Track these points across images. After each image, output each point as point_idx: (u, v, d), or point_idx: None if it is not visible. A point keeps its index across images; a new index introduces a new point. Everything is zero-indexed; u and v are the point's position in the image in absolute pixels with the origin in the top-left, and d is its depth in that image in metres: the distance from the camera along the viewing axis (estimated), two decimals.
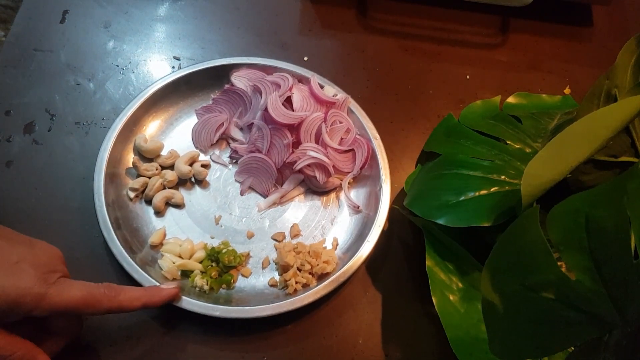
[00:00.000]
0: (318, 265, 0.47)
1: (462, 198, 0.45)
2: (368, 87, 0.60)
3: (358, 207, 0.51)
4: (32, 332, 0.38)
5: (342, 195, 0.53)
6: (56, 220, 0.48)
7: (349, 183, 0.53)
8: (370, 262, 0.50)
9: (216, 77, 0.55)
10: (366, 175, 0.53)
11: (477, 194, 0.45)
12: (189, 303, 0.43)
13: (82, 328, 0.42)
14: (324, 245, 0.50)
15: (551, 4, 0.67)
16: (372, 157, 0.52)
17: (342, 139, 0.53)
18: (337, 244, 0.50)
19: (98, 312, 0.38)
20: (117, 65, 0.57)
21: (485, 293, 0.33)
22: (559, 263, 0.32)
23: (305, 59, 0.60)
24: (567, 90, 0.63)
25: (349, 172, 0.53)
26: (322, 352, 0.46)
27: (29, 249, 0.37)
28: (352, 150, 0.53)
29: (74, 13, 0.59)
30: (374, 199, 0.51)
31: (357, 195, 0.53)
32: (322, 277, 0.47)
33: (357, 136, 0.53)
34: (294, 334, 0.46)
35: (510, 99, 0.60)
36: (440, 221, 0.44)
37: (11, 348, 0.36)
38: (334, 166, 0.51)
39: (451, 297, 0.44)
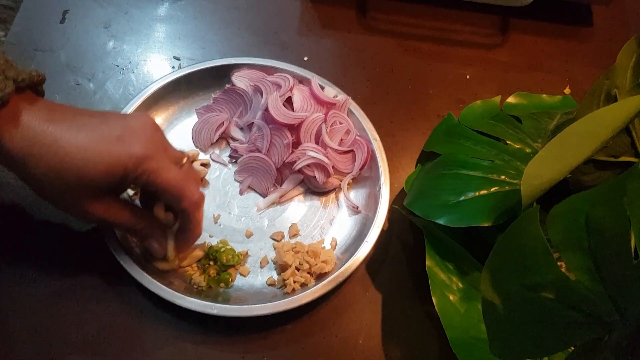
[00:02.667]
0: (317, 264, 0.47)
1: (462, 198, 0.45)
2: (368, 87, 0.60)
3: (357, 207, 0.51)
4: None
5: (341, 195, 0.53)
6: (57, 221, 0.48)
7: (348, 184, 0.53)
8: (370, 262, 0.50)
9: (217, 77, 0.55)
10: (365, 177, 0.53)
11: (477, 194, 0.45)
12: (186, 301, 0.43)
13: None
14: (322, 246, 0.50)
15: (551, 4, 0.67)
16: (371, 158, 0.52)
17: (342, 139, 0.53)
18: (336, 244, 0.50)
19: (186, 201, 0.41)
20: (117, 65, 0.57)
21: (485, 293, 0.33)
22: (559, 263, 0.32)
23: (305, 59, 0.60)
24: (567, 90, 0.63)
25: (349, 173, 0.53)
26: (322, 352, 0.46)
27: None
28: (352, 151, 0.53)
29: (74, 13, 0.59)
30: (373, 200, 0.51)
31: (356, 196, 0.53)
32: (320, 276, 0.47)
33: (357, 137, 0.53)
34: (294, 333, 0.46)
35: (510, 99, 0.60)
36: (440, 221, 0.44)
37: (135, 221, 0.41)
38: (333, 167, 0.51)
39: (451, 297, 0.44)
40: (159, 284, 0.43)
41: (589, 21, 0.69)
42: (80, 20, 0.59)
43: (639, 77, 0.46)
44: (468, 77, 0.62)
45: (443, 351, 0.46)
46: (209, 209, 0.50)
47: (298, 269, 0.47)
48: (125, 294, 0.45)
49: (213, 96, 0.55)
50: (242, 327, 0.45)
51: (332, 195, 0.53)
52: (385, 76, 0.61)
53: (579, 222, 0.32)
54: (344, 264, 0.46)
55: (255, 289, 0.47)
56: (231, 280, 0.47)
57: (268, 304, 0.44)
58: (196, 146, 0.53)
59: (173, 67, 0.58)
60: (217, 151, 0.54)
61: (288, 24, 0.63)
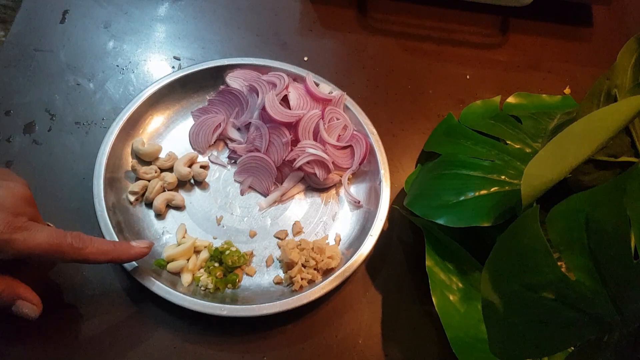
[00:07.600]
0: (323, 260, 0.47)
1: (462, 198, 0.45)
2: (368, 87, 0.60)
3: (359, 202, 0.51)
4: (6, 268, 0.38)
5: (342, 191, 0.53)
6: (56, 220, 0.48)
7: (348, 179, 0.53)
8: (370, 262, 0.50)
9: (212, 79, 0.55)
10: (365, 171, 0.53)
11: (477, 194, 0.45)
12: (195, 303, 0.43)
13: (55, 265, 0.44)
14: (326, 242, 0.50)
15: (551, 4, 0.67)
16: (370, 152, 0.53)
17: (339, 135, 0.53)
18: (340, 240, 0.50)
19: (63, 261, 0.39)
20: (117, 65, 0.57)
21: (485, 293, 0.33)
22: (559, 263, 0.32)
23: (306, 59, 0.60)
24: (567, 90, 0.63)
25: (348, 168, 0.53)
26: (322, 352, 0.46)
27: None
28: (350, 146, 0.54)
29: (74, 13, 0.59)
30: (374, 194, 0.51)
31: (357, 190, 0.53)
32: (326, 272, 0.47)
33: (355, 132, 0.54)
34: (294, 334, 0.46)
35: (510, 99, 0.60)
36: (440, 221, 0.44)
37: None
38: (333, 162, 0.51)
39: (451, 297, 0.44)
40: (168, 288, 0.43)
41: (589, 21, 0.69)
42: (80, 20, 0.59)
43: (639, 77, 0.46)
44: (468, 77, 0.62)
45: (443, 351, 0.46)
46: (211, 210, 0.50)
47: (304, 266, 0.47)
48: (125, 294, 0.45)
49: (208, 98, 0.55)
50: (242, 327, 0.45)
51: (333, 192, 0.53)
52: (385, 76, 0.61)
53: (579, 222, 0.32)
54: (349, 259, 0.46)
55: (262, 289, 0.47)
56: (238, 280, 0.47)
57: (277, 302, 0.44)
58: (194, 149, 0.53)
59: (173, 67, 0.58)
60: (215, 153, 0.54)
61: (288, 24, 0.63)
